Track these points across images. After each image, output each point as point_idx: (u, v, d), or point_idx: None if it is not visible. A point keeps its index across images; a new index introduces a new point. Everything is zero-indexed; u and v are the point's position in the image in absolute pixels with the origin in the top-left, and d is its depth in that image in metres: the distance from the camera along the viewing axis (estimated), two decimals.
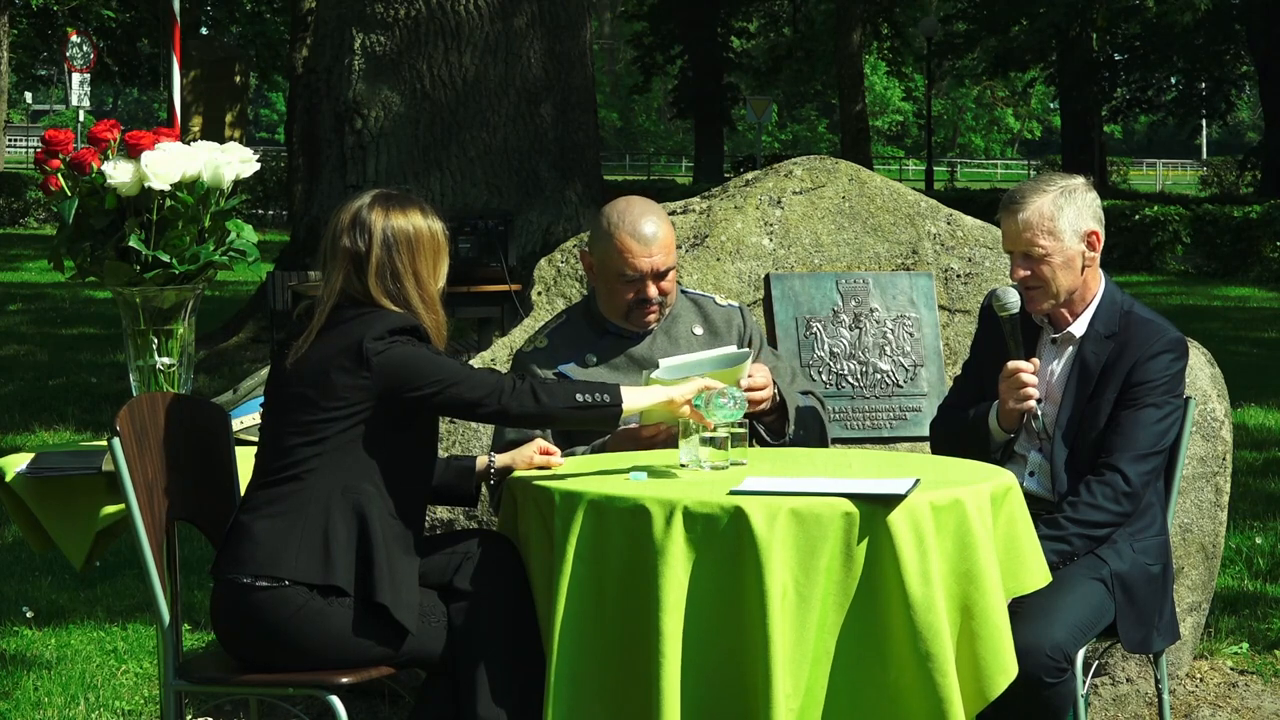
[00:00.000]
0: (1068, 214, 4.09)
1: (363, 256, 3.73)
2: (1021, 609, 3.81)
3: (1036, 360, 4.15)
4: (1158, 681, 4.24)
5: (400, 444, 3.72)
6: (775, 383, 4.23)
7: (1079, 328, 4.16)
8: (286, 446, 3.68)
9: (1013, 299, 4.14)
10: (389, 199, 3.80)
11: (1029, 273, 4.11)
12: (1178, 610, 4.88)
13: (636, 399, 3.80)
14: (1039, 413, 4.12)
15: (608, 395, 3.75)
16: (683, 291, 4.41)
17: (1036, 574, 3.72)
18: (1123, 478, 4.01)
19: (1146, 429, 4.05)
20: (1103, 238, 4.15)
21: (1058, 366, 4.18)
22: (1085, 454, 4.08)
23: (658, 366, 4.10)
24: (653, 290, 4.19)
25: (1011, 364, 4.10)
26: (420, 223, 3.78)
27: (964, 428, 4.23)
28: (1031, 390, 4.09)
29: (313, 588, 3.61)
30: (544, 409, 3.72)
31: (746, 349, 4.22)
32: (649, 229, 4.17)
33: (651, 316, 4.24)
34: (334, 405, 3.65)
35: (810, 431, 4.30)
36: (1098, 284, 4.18)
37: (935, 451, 4.35)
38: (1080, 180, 4.17)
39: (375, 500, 3.67)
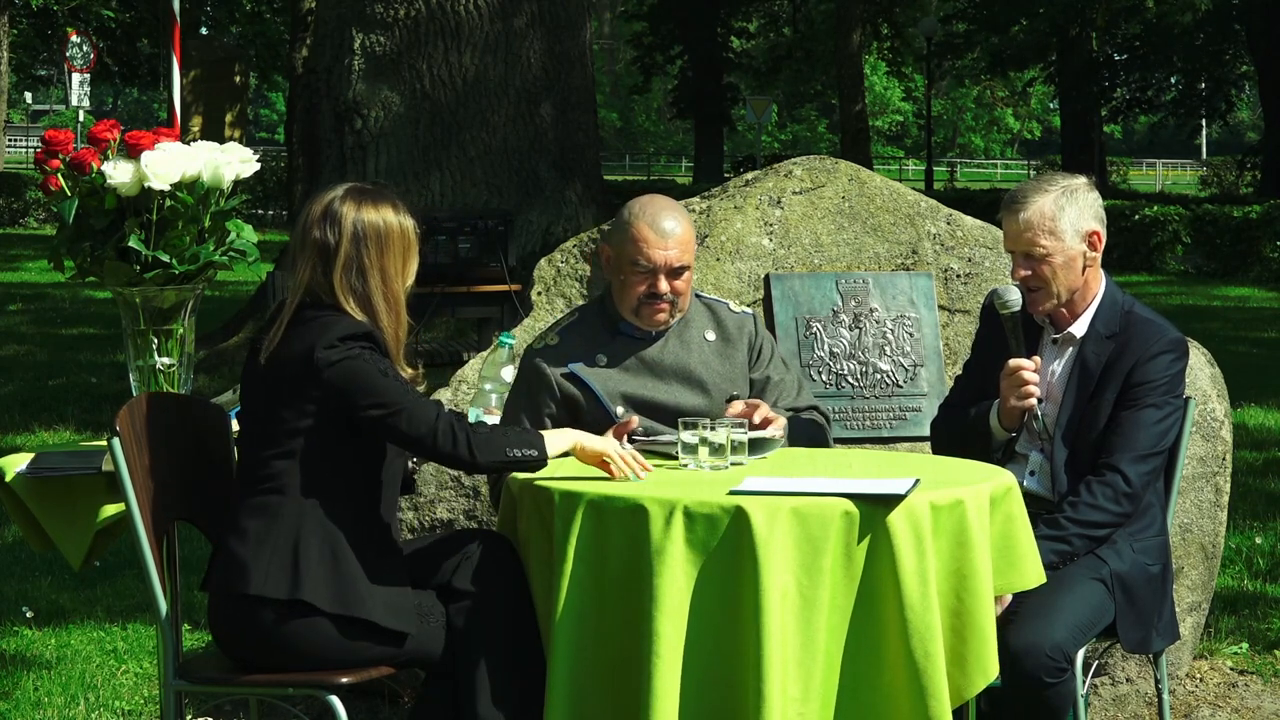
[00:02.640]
0: (1069, 214, 4.09)
1: (332, 250, 3.69)
2: (1021, 609, 3.82)
3: (1038, 358, 4.15)
4: (1157, 681, 4.24)
5: (365, 446, 3.69)
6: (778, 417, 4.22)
7: (1079, 328, 4.16)
8: (260, 458, 3.67)
9: (1014, 297, 4.14)
10: (362, 193, 3.75)
11: (1030, 273, 4.10)
12: (1178, 610, 4.87)
13: (556, 447, 3.76)
14: (1040, 412, 4.12)
15: (534, 450, 3.71)
16: (697, 295, 4.39)
17: (1030, 574, 3.72)
18: (1123, 478, 4.01)
19: (1147, 429, 4.05)
20: (1104, 238, 4.15)
21: (1058, 366, 4.18)
22: (1085, 455, 4.08)
23: (665, 371, 4.14)
24: (664, 285, 4.14)
25: (1013, 361, 4.10)
26: (391, 218, 3.74)
27: (965, 426, 4.23)
28: (1033, 388, 4.09)
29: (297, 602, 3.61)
30: (475, 462, 3.68)
31: (780, 437, 4.15)
32: (668, 224, 4.14)
33: (661, 315, 4.19)
34: (293, 415, 3.63)
35: None
36: (1098, 284, 4.18)
37: (936, 450, 4.35)
38: (1082, 180, 4.17)
39: (348, 508, 3.65)
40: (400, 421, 3.62)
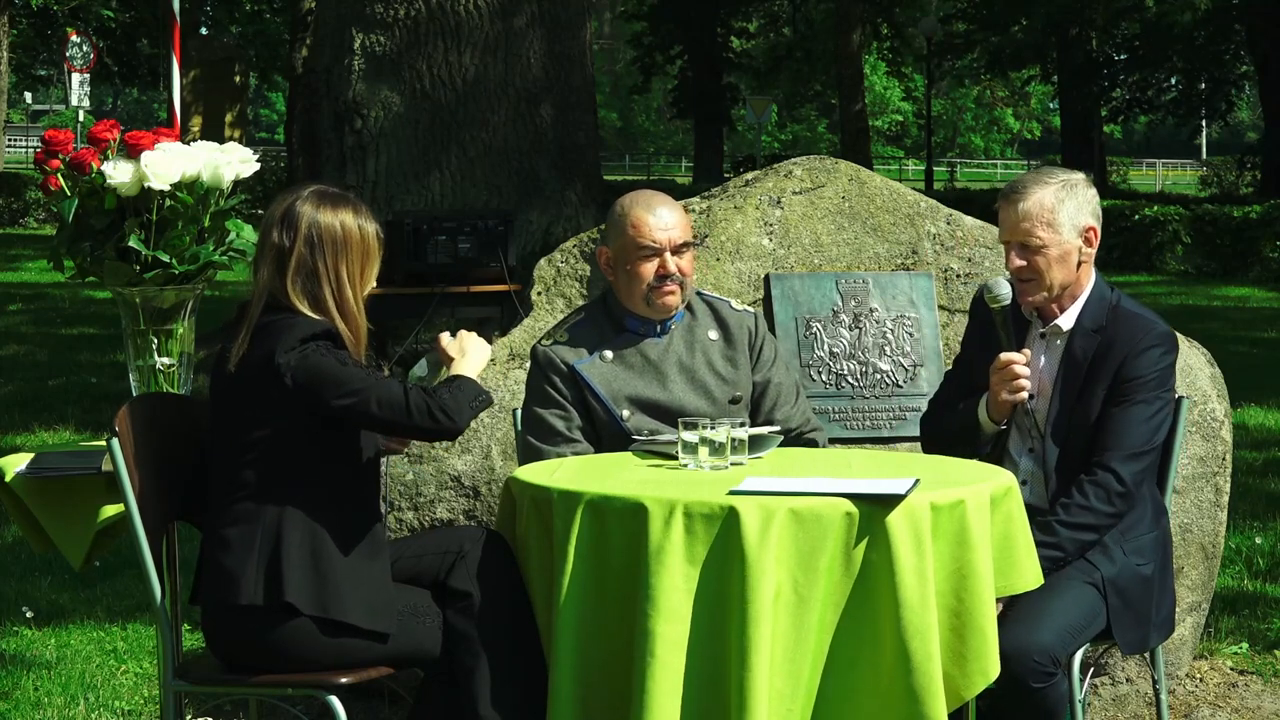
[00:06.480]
0: (1068, 208, 4.09)
1: (286, 253, 3.65)
2: (1011, 612, 3.81)
3: (1028, 351, 4.14)
4: (1155, 681, 4.23)
5: (338, 443, 3.67)
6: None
7: (1067, 321, 4.15)
8: (233, 466, 3.65)
9: (1004, 290, 4.14)
10: (323, 195, 3.70)
11: (1025, 264, 4.10)
12: (1178, 610, 4.88)
13: (480, 373, 3.81)
14: (1030, 407, 4.11)
15: (482, 395, 3.71)
16: (699, 294, 4.40)
17: (1028, 575, 3.72)
18: (1115, 477, 3.99)
19: (1137, 426, 4.03)
20: (1099, 235, 4.15)
21: (1046, 360, 4.17)
22: (1077, 454, 4.07)
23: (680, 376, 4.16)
24: (672, 264, 4.20)
25: (1004, 355, 4.09)
26: (350, 221, 3.68)
27: (954, 420, 4.22)
28: (1024, 381, 4.08)
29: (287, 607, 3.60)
30: (456, 426, 3.64)
31: (778, 432, 4.15)
32: (661, 206, 4.24)
33: (672, 298, 4.22)
34: (261, 421, 3.61)
35: None
36: (1089, 280, 4.17)
37: (924, 446, 4.35)
38: (1081, 176, 4.18)
39: (325, 508, 3.63)
40: (372, 406, 3.58)
